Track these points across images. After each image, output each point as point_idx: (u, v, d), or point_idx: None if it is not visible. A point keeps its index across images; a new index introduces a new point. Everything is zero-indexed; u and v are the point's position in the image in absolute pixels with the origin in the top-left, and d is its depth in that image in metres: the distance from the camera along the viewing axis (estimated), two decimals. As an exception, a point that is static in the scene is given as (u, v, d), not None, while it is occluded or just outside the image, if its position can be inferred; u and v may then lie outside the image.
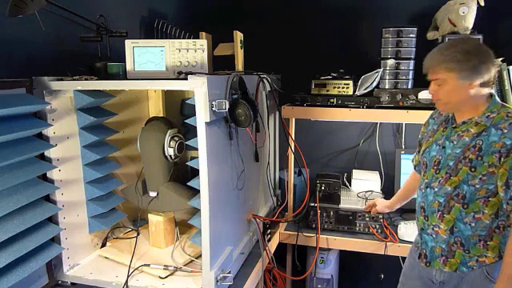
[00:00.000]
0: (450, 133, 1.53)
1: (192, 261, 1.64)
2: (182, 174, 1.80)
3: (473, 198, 1.45)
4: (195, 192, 1.49)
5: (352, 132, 2.64)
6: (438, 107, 1.56)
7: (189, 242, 1.71)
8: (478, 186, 1.44)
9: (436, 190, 1.54)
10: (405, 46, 2.07)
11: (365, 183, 2.37)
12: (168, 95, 2.00)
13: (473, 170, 1.44)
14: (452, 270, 1.51)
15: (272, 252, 2.01)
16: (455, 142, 1.50)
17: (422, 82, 2.17)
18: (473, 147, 1.44)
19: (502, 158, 1.38)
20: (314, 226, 2.19)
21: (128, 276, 1.51)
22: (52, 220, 1.47)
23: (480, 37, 1.95)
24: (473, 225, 1.46)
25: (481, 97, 1.45)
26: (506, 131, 1.38)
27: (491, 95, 1.48)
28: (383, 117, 2.10)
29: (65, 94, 1.50)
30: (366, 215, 2.13)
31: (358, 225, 2.15)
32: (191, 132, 1.38)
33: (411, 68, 2.08)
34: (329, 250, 2.32)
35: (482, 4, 1.96)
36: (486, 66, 1.39)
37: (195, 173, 1.40)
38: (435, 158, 1.56)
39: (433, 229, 1.55)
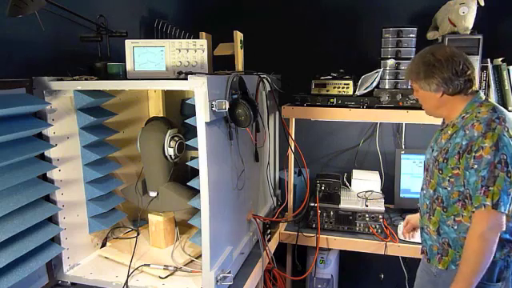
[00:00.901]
0: (437, 135, 1.59)
1: (192, 261, 1.64)
2: (182, 174, 1.80)
3: (449, 201, 1.48)
4: (195, 192, 1.49)
5: (352, 132, 2.64)
6: None
7: (189, 241, 1.71)
8: (449, 189, 1.47)
9: (424, 192, 1.60)
10: (405, 46, 2.07)
11: (365, 183, 2.37)
12: (168, 95, 2.00)
13: (440, 172, 1.48)
14: (444, 267, 1.53)
15: (272, 252, 2.01)
16: (438, 145, 1.54)
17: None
18: (443, 150, 1.48)
19: (460, 159, 1.41)
20: (314, 225, 2.19)
21: (128, 276, 1.51)
22: (52, 220, 1.47)
23: (480, 37, 1.95)
24: (455, 227, 1.48)
25: (457, 101, 1.48)
26: (467, 132, 1.40)
27: (477, 91, 1.49)
28: (383, 117, 2.10)
29: (65, 93, 1.50)
30: (366, 215, 2.13)
31: (357, 225, 2.15)
32: (191, 132, 1.38)
33: (411, 68, 2.08)
34: (329, 249, 2.32)
35: (482, 4, 1.96)
36: (450, 80, 1.42)
37: (195, 173, 1.40)
38: (427, 161, 1.61)
39: (427, 229, 1.60)
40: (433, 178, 1.53)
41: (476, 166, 1.35)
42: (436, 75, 1.42)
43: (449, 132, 1.49)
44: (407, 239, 2.01)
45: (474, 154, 1.36)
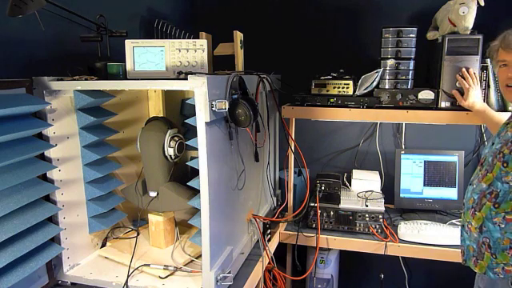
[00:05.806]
0: (502, 129, 1.50)
1: (192, 261, 1.64)
2: (182, 174, 1.80)
3: (506, 197, 1.37)
4: (195, 192, 1.49)
5: (352, 132, 2.64)
6: None
7: (189, 241, 1.71)
8: None
9: (474, 186, 1.50)
10: (405, 46, 2.06)
11: (365, 183, 2.37)
12: (168, 95, 2.00)
13: (505, 165, 1.36)
14: (482, 272, 1.44)
15: (272, 252, 2.01)
16: (501, 138, 1.45)
17: (421, 82, 2.18)
18: (510, 142, 1.37)
19: None
20: (314, 225, 2.19)
21: (128, 276, 1.51)
22: (52, 220, 1.47)
23: (480, 37, 1.95)
24: (502, 226, 1.37)
25: None
26: None
27: None
28: (383, 117, 2.10)
29: (65, 94, 1.50)
30: (366, 215, 2.13)
31: (357, 225, 2.15)
32: (191, 132, 1.38)
33: (411, 68, 2.08)
34: (329, 250, 2.32)
35: (482, 4, 1.96)
36: None
37: (195, 173, 1.40)
38: (485, 155, 1.52)
39: (467, 226, 1.51)
40: (491, 171, 1.41)
41: None
42: None
43: None
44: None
45: None
